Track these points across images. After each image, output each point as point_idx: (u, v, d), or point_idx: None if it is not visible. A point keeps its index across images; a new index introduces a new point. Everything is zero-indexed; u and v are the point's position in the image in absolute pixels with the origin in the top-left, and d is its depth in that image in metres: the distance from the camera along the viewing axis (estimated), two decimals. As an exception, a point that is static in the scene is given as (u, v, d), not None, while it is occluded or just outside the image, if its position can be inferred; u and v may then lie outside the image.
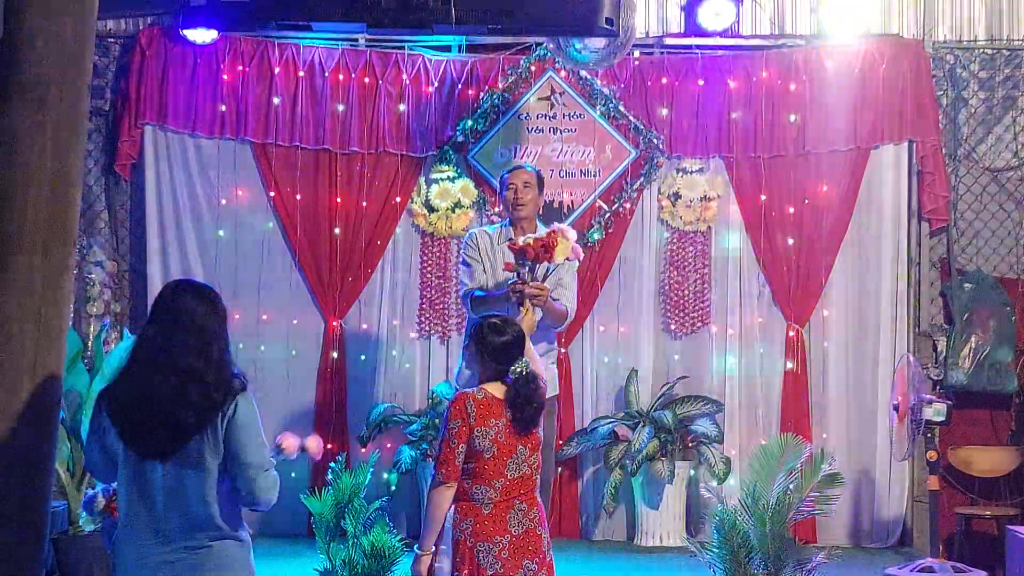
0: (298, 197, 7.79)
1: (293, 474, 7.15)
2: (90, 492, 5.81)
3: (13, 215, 3.71)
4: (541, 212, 6.16)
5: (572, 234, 5.59)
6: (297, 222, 7.79)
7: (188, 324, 3.43)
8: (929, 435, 6.78)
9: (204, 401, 3.39)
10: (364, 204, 7.80)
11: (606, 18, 5.64)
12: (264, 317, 7.81)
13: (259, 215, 7.87)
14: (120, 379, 3.50)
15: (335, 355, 7.76)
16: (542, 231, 5.71)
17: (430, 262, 7.83)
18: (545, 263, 5.55)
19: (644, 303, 7.80)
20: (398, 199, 7.84)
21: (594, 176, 7.81)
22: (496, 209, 7.62)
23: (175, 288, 3.56)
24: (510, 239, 5.74)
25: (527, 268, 5.48)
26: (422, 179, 7.85)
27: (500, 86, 7.78)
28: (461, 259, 6.03)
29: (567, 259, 5.60)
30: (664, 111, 7.77)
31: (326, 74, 7.77)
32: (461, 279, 6.01)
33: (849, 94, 7.65)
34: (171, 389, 3.38)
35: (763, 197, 7.71)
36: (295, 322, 7.86)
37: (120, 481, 3.50)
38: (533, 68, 7.82)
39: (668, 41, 7.81)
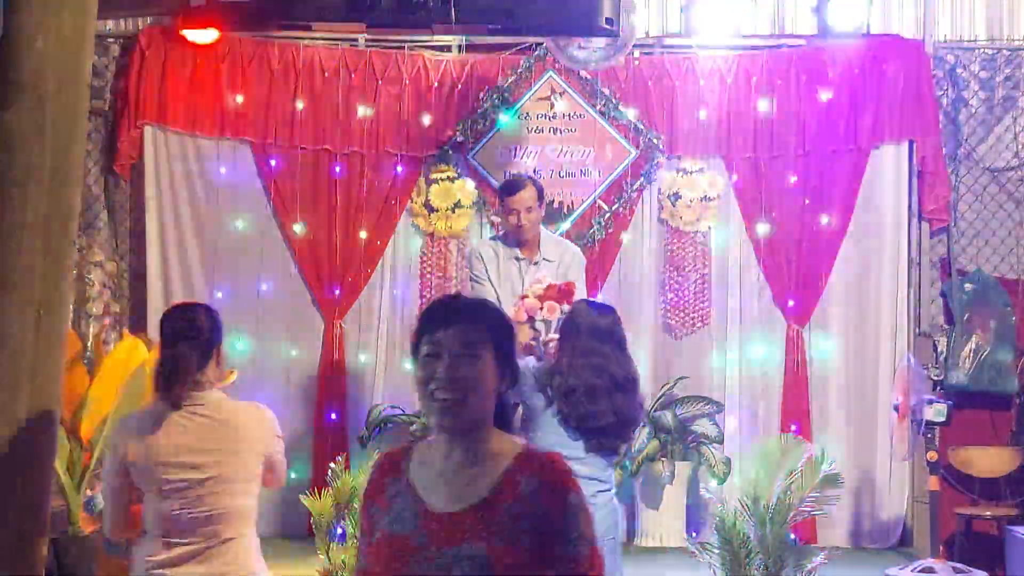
0: (298, 197, 7.80)
1: (293, 474, 7.13)
2: (90, 493, 5.82)
3: (13, 215, 3.70)
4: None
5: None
6: (297, 222, 7.79)
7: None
8: (929, 435, 6.78)
9: None
10: (364, 204, 7.80)
11: (606, 18, 5.63)
12: (264, 318, 7.80)
13: (259, 215, 7.86)
14: None
15: (335, 355, 7.76)
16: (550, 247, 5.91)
17: (430, 262, 7.83)
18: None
19: (644, 303, 7.80)
20: (398, 199, 7.83)
21: (594, 176, 7.81)
22: (497, 209, 7.62)
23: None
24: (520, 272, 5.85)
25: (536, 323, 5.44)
26: (422, 179, 7.84)
27: (500, 86, 7.78)
28: (471, 277, 6.01)
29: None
30: (664, 111, 7.76)
31: (326, 74, 7.77)
32: None
33: (849, 94, 7.65)
34: None
35: (763, 197, 7.71)
36: (295, 322, 7.86)
37: None
38: (533, 68, 7.81)
39: (668, 41, 7.81)
